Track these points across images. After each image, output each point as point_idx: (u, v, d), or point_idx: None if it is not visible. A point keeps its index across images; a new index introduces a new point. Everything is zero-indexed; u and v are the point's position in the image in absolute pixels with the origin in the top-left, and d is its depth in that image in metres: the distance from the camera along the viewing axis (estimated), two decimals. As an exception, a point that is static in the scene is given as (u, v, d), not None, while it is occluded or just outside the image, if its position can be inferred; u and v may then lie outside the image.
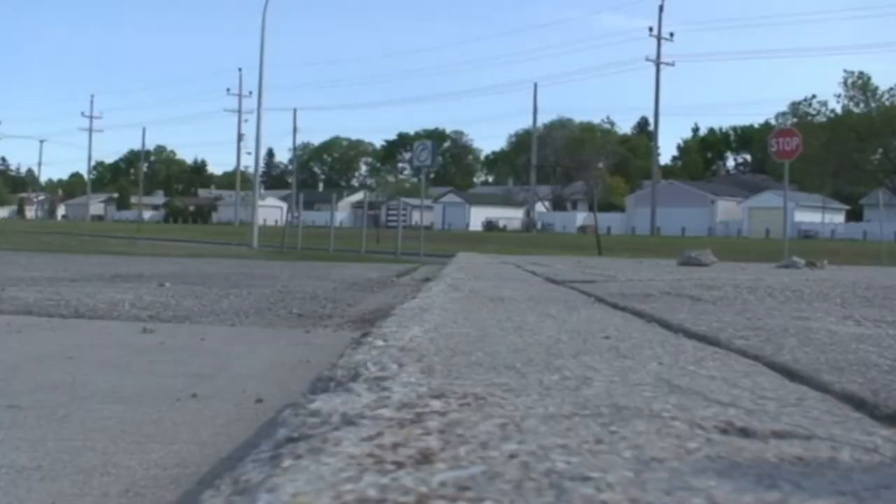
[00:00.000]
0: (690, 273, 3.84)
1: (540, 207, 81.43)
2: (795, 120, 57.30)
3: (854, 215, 74.91)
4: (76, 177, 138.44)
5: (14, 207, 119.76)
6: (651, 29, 67.24)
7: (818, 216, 68.60)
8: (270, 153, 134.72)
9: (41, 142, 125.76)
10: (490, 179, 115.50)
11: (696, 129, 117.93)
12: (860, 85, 59.32)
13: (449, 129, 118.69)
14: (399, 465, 0.61)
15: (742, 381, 1.04)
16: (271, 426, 0.94)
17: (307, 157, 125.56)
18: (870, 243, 36.96)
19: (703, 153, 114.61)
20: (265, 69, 25.22)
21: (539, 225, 73.04)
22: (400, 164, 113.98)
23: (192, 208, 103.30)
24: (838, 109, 59.47)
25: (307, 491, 0.55)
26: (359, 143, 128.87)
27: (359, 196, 72.53)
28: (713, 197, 78.96)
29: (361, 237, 22.98)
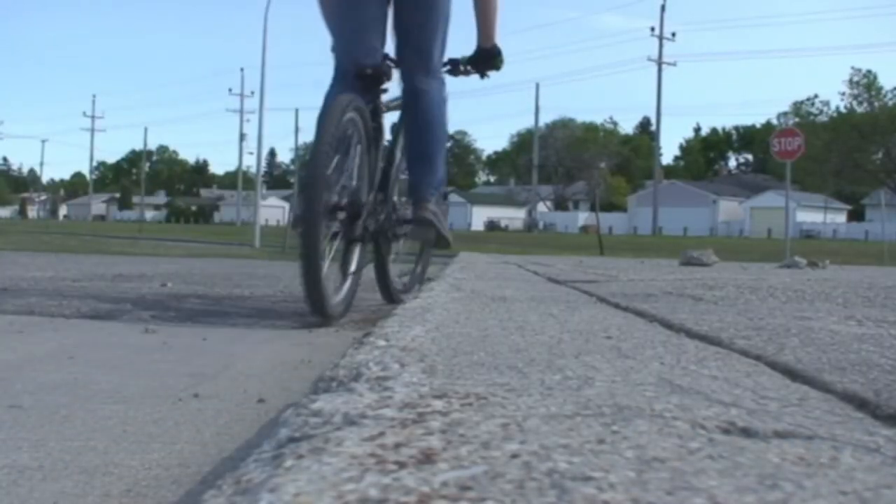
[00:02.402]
0: (692, 273, 3.84)
1: (542, 207, 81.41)
2: (797, 119, 57.22)
3: (856, 215, 74.88)
4: (78, 177, 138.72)
5: (16, 207, 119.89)
6: (653, 29, 67.23)
7: (820, 216, 68.58)
8: (272, 153, 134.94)
9: (43, 142, 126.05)
10: (492, 179, 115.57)
11: (697, 129, 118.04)
12: (865, 84, 59.16)
13: (451, 129, 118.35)
14: (401, 464, 0.61)
15: (744, 380, 1.04)
16: (273, 426, 0.94)
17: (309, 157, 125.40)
18: (872, 243, 36.95)
19: (705, 153, 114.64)
20: (267, 69, 25.21)
21: (541, 225, 73.01)
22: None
23: (193, 208, 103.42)
24: (842, 108, 59.30)
25: (309, 491, 0.55)
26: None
27: (360, 196, 72.45)
28: (715, 197, 79.01)
29: (363, 237, 22.88)
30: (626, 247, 23.55)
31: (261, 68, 26.15)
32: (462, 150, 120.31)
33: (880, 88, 58.92)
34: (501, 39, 4.04)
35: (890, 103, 57.97)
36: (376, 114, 3.63)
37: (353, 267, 3.44)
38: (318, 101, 3.32)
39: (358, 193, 3.37)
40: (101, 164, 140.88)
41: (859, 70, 59.24)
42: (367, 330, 2.23)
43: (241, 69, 76.16)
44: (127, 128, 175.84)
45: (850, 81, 58.96)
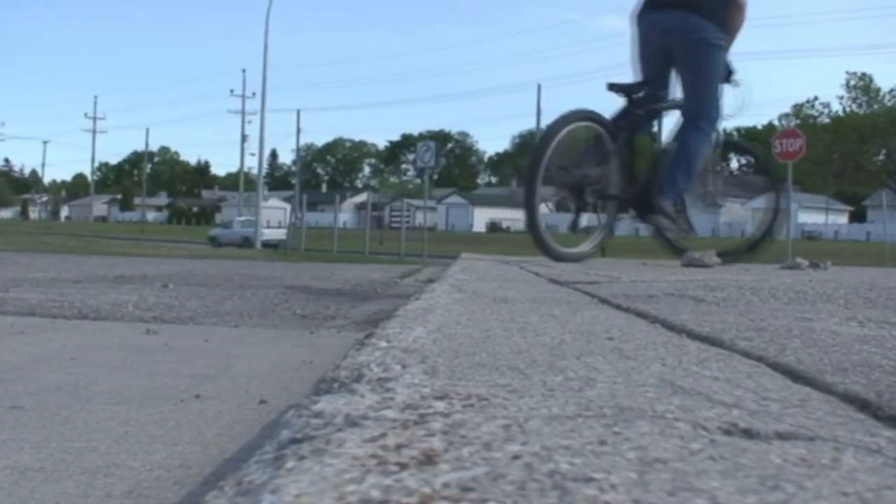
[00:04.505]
0: (694, 274, 3.83)
1: (544, 209, 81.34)
2: (798, 121, 57.14)
3: (857, 216, 74.82)
4: (80, 178, 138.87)
5: (17, 208, 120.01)
6: (654, 30, 67.10)
7: (821, 217, 68.55)
8: (274, 154, 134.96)
9: (45, 143, 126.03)
10: (493, 180, 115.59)
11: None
12: (862, 86, 59.03)
13: (453, 131, 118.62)
14: (402, 466, 0.61)
15: (745, 382, 1.04)
16: (274, 427, 0.94)
17: (310, 158, 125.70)
18: (873, 244, 36.93)
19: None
20: (268, 70, 25.24)
21: (543, 226, 72.81)
22: (403, 166, 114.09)
23: (195, 209, 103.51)
24: (841, 112, 59.18)
25: (311, 492, 0.55)
26: (362, 144, 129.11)
27: (362, 197, 72.62)
28: (716, 198, 78.83)
29: (365, 238, 22.98)
30: (628, 248, 23.51)
31: (262, 69, 26.14)
32: (464, 151, 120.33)
33: (878, 90, 58.76)
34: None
35: (888, 104, 57.76)
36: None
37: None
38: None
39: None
40: (103, 165, 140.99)
41: (855, 73, 59.09)
42: (368, 331, 2.23)
43: (243, 70, 76.06)
44: (128, 129, 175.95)
45: (847, 85, 58.79)
